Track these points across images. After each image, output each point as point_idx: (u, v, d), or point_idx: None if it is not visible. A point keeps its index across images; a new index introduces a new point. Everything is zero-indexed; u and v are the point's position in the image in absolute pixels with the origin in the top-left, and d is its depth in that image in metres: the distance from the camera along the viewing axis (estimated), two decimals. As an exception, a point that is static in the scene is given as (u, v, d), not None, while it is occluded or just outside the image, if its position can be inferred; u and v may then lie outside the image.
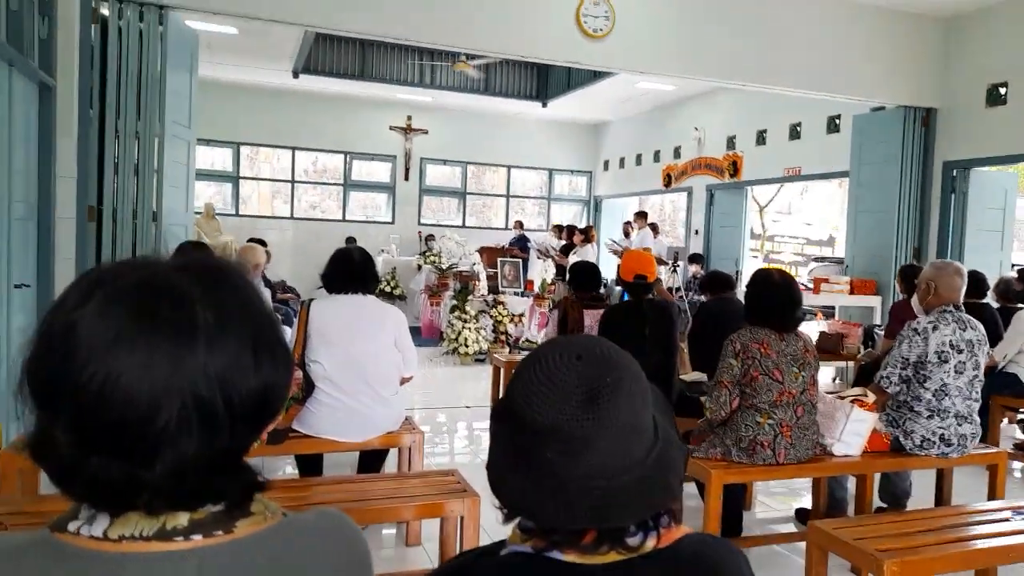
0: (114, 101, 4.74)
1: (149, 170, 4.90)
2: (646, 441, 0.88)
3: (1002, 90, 6.48)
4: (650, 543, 0.86)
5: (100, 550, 0.68)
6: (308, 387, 2.97)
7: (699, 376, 3.97)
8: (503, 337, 8.04)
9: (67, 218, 4.52)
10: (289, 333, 3.17)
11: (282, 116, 12.08)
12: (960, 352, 3.09)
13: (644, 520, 0.86)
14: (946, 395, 3.07)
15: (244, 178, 12.61)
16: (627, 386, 0.87)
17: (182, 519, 0.70)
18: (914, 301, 3.56)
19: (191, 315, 0.69)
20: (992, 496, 3.19)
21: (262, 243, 6.32)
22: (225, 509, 0.72)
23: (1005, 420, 5.25)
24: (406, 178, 13.03)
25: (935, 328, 3.10)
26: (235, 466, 0.73)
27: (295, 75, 10.53)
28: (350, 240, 10.44)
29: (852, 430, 2.98)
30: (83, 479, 0.67)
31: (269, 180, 13.25)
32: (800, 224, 23.43)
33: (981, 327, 3.22)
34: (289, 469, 3.98)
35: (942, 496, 3.47)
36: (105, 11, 4.72)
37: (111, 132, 4.75)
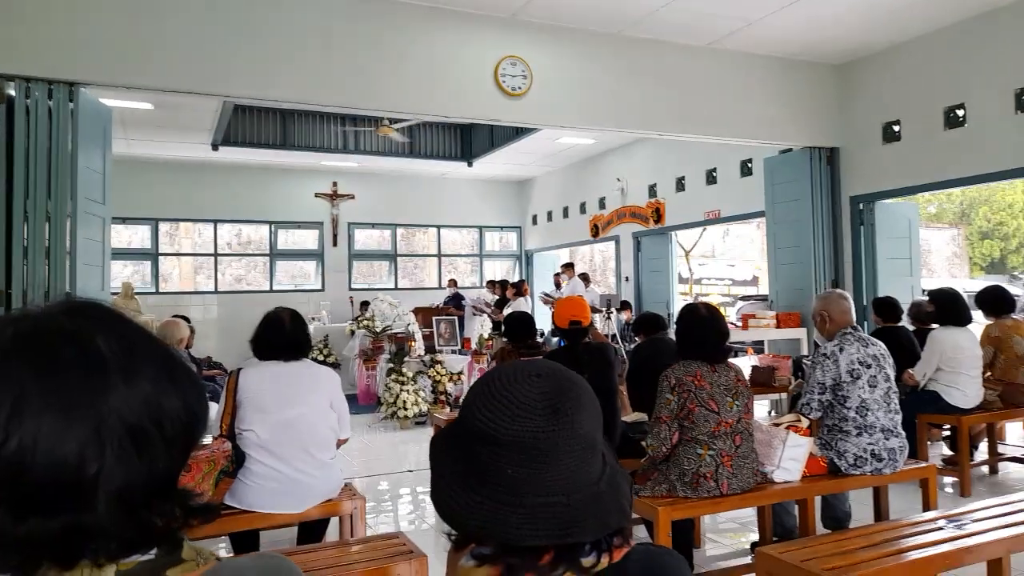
0: (22, 181, 4.57)
1: (61, 251, 4.71)
2: (599, 462, 0.90)
3: (895, 127, 6.96)
4: (603, 561, 0.86)
5: None
6: (239, 459, 2.84)
7: (640, 416, 3.99)
8: (443, 397, 7.94)
9: (-27, 304, 4.29)
10: (216, 408, 3.05)
11: (202, 189, 11.89)
12: (869, 367, 3.26)
13: (597, 540, 0.87)
14: (868, 410, 3.21)
15: (164, 254, 12.28)
16: (586, 402, 0.89)
17: (109, 572, 0.65)
18: (816, 335, 3.75)
19: (96, 351, 0.65)
20: (926, 508, 3.28)
21: (186, 319, 6.11)
22: (155, 557, 0.68)
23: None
24: (334, 244, 12.94)
25: (841, 349, 3.28)
26: (175, 491, 0.70)
27: (215, 147, 10.42)
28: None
29: (790, 455, 3.04)
30: (17, 546, 0.61)
31: (191, 255, 12.94)
32: (724, 266, 24.26)
33: (881, 343, 3.42)
34: (223, 552, 3.77)
35: (880, 513, 3.56)
36: (11, 91, 4.59)
37: (19, 213, 4.56)
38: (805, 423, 3.20)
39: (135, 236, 11.99)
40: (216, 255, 12.48)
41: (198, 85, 5.11)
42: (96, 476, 0.62)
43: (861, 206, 7.29)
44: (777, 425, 3.14)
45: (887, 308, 5.51)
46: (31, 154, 4.59)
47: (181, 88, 5.10)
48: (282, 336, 2.98)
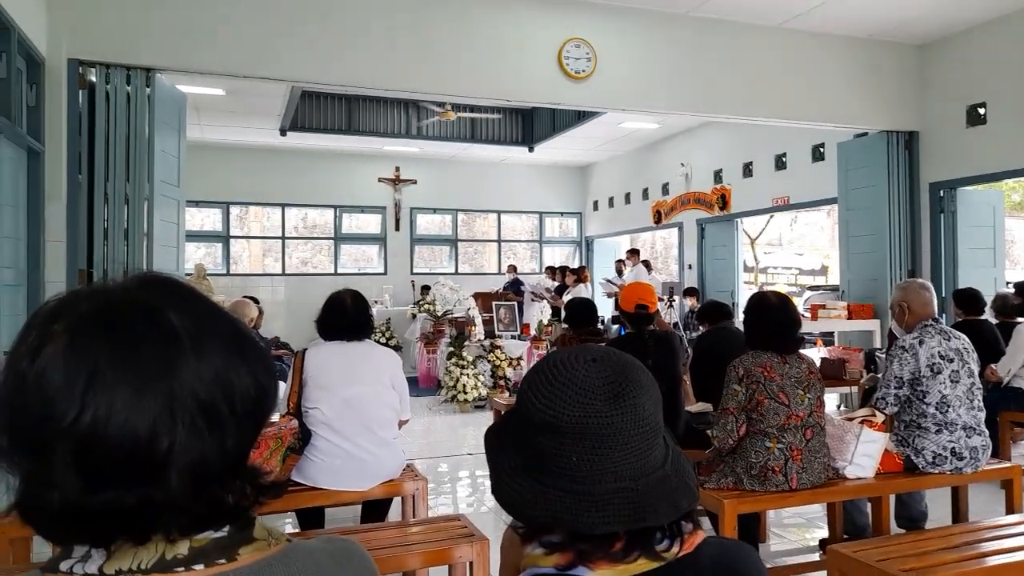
0: (103, 165, 4.75)
1: (139, 233, 4.89)
2: (662, 444, 0.88)
3: (981, 110, 6.59)
4: (675, 549, 0.84)
5: None
6: (305, 436, 2.90)
7: (704, 407, 3.91)
8: (502, 382, 7.96)
9: (57, 282, 4.48)
10: (283, 387, 3.11)
11: (271, 174, 12.18)
12: (951, 361, 3.09)
13: (670, 525, 0.85)
14: (949, 407, 3.05)
15: (234, 237, 12.65)
16: (646, 383, 0.87)
17: (182, 548, 0.65)
18: (892, 324, 3.58)
19: (169, 325, 0.65)
20: (1010, 511, 3.12)
21: (255, 300, 6.28)
22: (227, 535, 0.68)
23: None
24: (396, 228, 13.09)
25: (921, 342, 3.12)
26: (245, 468, 0.70)
27: (283, 133, 10.65)
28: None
29: (863, 451, 2.92)
30: (93, 518, 0.62)
31: (259, 238, 13.29)
32: (791, 255, 23.56)
33: (965, 336, 3.24)
34: (288, 527, 3.87)
35: (959, 514, 3.39)
36: (92, 76, 4.76)
37: (100, 196, 4.74)
38: (880, 418, 3.06)
39: (207, 219, 12.39)
40: (283, 238, 12.80)
41: (267, 70, 5.21)
42: (168, 451, 0.62)
43: (941, 193, 6.94)
44: (850, 420, 3.02)
45: (969, 300, 5.25)
46: (111, 138, 4.76)
47: (251, 73, 5.21)
48: (345, 317, 3.03)
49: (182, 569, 0.65)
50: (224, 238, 12.39)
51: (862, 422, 2.99)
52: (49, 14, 4.54)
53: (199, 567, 0.65)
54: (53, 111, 4.53)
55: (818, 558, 3.42)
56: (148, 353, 0.63)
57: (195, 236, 11.71)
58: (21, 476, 0.64)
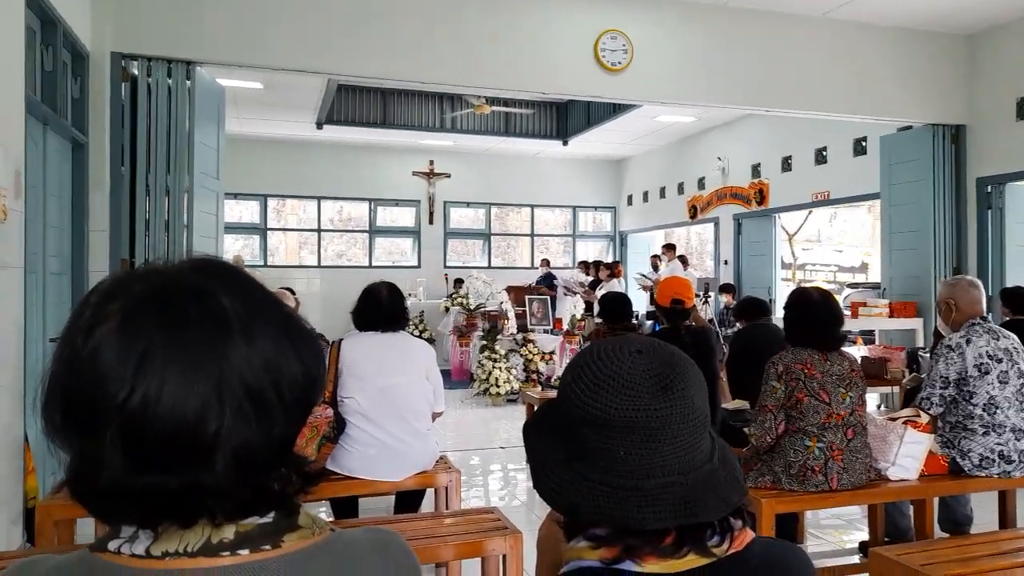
0: (144, 156, 4.83)
1: (179, 224, 4.97)
2: (708, 438, 0.85)
3: (1032, 102, 6.37)
4: (725, 546, 0.82)
5: (144, 567, 0.63)
6: (340, 425, 2.92)
7: (741, 404, 3.85)
8: (535, 376, 7.95)
9: (100, 271, 4.58)
10: (320, 375, 3.13)
11: (307, 167, 12.32)
12: (1000, 362, 2.99)
13: (720, 521, 0.82)
14: (997, 408, 2.95)
15: (271, 229, 12.82)
16: (693, 375, 0.85)
17: (228, 532, 0.65)
18: (938, 323, 3.47)
19: (221, 309, 0.65)
20: (1062, 518, 3.01)
21: (291, 292, 6.35)
22: (272, 521, 0.68)
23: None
24: (430, 222, 13.14)
25: (968, 341, 3.02)
26: (290, 455, 0.70)
27: (319, 126, 10.75)
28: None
29: (907, 452, 2.84)
30: (139, 499, 0.62)
31: (296, 230, 13.45)
32: (831, 251, 23.12)
33: (1014, 336, 3.12)
34: (323, 516, 3.91)
35: (1006, 519, 3.29)
36: (135, 70, 4.85)
37: (142, 187, 4.83)
38: (925, 419, 2.98)
39: (245, 211, 12.58)
40: (319, 231, 12.94)
41: (304, 64, 5.25)
42: (215, 435, 0.62)
43: (989, 188, 6.73)
44: (894, 419, 2.94)
45: (1018, 299, 5.07)
46: (152, 131, 4.84)
47: (289, 67, 5.26)
48: (380, 308, 3.05)
49: (227, 553, 0.65)
50: (261, 230, 12.56)
51: (906, 422, 2.91)
52: (93, 8, 4.62)
53: (244, 552, 0.65)
54: (97, 104, 4.62)
55: (858, 561, 3.35)
56: (199, 335, 0.63)
57: (233, 228, 11.88)
58: (72, 454, 0.64)
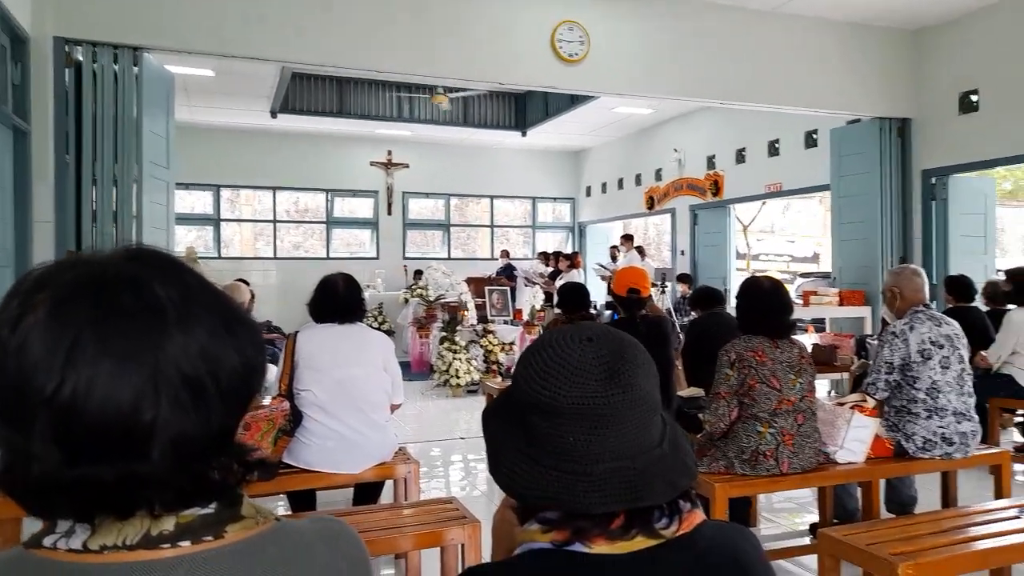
0: (90, 145, 4.69)
1: (128, 214, 4.83)
2: (659, 422, 0.87)
3: (973, 97, 6.59)
4: (673, 527, 0.83)
5: (81, 562, 0.62)
6: (296, 418, 2.89)
7: (695, 391, 3.92)
8: (495, 366, 7.96)
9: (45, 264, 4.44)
10: (275, 369, 3.10)
11: (262, 157, 12.09)
12: (941, 348, 3.10)
13: (669, 504, 0.84)
14: (939, 392, 3.06)
15: (225, 220, 12.57)
16: (642, 362, 0.86)
17: (168, 524, 0.64)
18: (883, 310, 3.59)
19: (155, 298, 0.64)
20: (999, 496, 3.14)
21: (246, 283, 6.24)
22: (214, 512, 0.67)
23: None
24: (389, 213, 13.03)
25: (912, 328, 3.12)
26: (231, 445, 0.69)
27: (273, 115, 10.55)
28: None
29: (854, 436, 2.93)
30: (73, 492, 0.61)
31: (251, 221, 13.20)
32: (784, 242, 23.61)
33: (955, 323, 3.25)
34: (281, 510, 3.87)
35: (948, 499, 3.42)
36: (79, 55, 4.69)
37: (88, 176, 4.68)
38: (871, 403, 3.07)
39: (198, 202, 12.29)
40: (275, 222, 12.72)
41: (257, 50, 5.15)
42: (151, 425, 0.61)
43: (933, 180, 6.95)
44: (841, 404, 3.03)
45: (960, 287, 5.27)
46: (98, 118, 4.70)
47: (240, 53, 5.14)
48: (337, 300, 3.02)
49: (168, 546, 0.64)
50: (215, 221, 12.30)
51: (853, 407, 3.00)
52: (34, -10, 4.46)
53: (185, 543, 0.64)
54: (39, 90, 4.46)
55: (808, 542, 3.44)
56: (132, 325, 0.62)
57: (185, 219, 11.62)
58: (3, 447, 0.63)
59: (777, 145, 9.32)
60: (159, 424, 0.61)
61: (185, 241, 11.25)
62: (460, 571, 2.41)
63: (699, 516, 0.86)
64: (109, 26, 4.70)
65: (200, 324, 0.65)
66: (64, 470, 0.60)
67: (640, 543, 0.81)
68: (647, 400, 0.84)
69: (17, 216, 4.26)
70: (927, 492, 3.67)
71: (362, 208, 13.16)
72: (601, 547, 0.81)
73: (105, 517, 0.63)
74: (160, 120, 5.26)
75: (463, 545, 2.38)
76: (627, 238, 11.54)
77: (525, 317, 8.89)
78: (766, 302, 2.87)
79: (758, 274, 3.53)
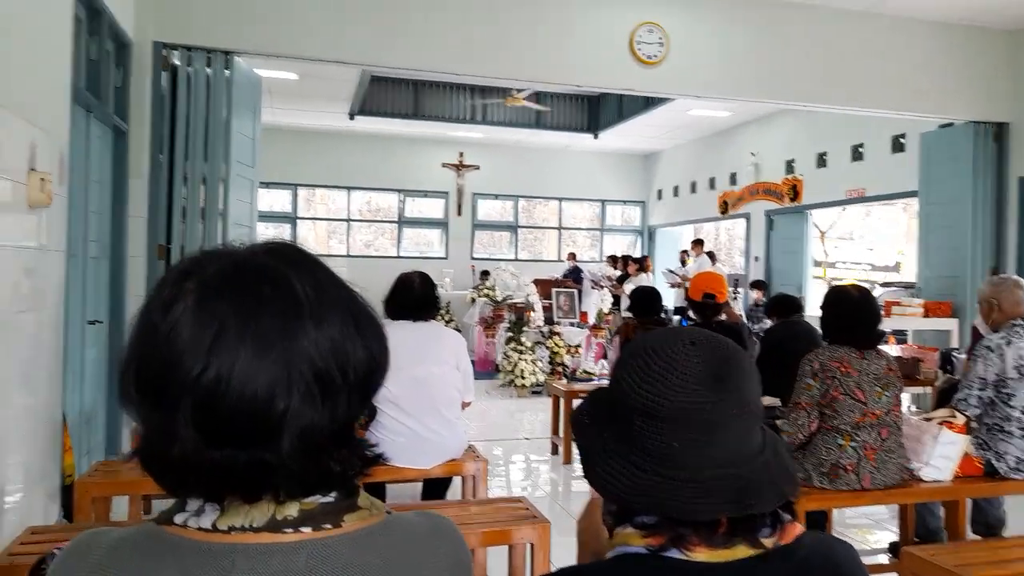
0: (183, 145, 4.91)
1: (215, 211, 5.04)
2: (760, 430, 0.85)
3: (1078, 100, 6.20)
4: (775, 538, 0.82)
5: (209, 541, 0.65)
6: (371, 413, 2.95)
7: (772, 401, 3.82)
8: (560, 368, 7.95)
9: (137, 257, 4.67)
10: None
11: (338, 157, 12.42)
12: None
13: (771, 514, 0.82)
14: (1036, 412, 2.89)
15: (302, 218, 12.97)
16: (747, 368, 0.85)
17: (292, 510, 0.67)
18: (977, 321, 3.41)
19: (293, 292, 0.67)
20: (1101, 524, 2.95)
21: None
22: (334, 501, 0.69)
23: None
24: (459, 213, 13.19)
25: (1008, 343, 2.97)
26: (352, 438, 0.72)
27: (351, 117, 10.82)
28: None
29: (942, 453, 2.80)
30: (207, 473, 0.65)
31: (325, 220, 13.58)
32: (863, 249, 22.74)
33: None
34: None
35: (1043, 525, 3.23)
36: (175, 59, 4.92)
37: (179, 175, 4.91)
38: (961, 420, 2.93)
39: (276, 200, 12.73)
40: (348, 220, 13.06)
41: (340, 54, 5.29)
42: (283, 414, 0.64)
43: (1032, 188, 6.57)
44: (929, 420, 2.90)
45: (1059, 301, 4.96)
46: (191, 119, 4.92)
47: (325, 57, 5.30)
48: (412, 297, 3.07)
49: (291, 530, 0.66)
50: (292, 219, 12.71)
51: (941, 423, 2.87)
52: (137, -2, 4.70)
53: (307, 530, 0.67)
54: (137, 92, 4.69)
55: (886, 561, 3.31)
56: (271, 317, 0.65)
57: (265, 216, 12.00)
58: (146, 426, 0.66)
59: (861, 149, 8.99)
60: (290, 414, 0.64)
61: (265, 237, 11.62)
62: (529, 571, 2.42)
63: (798, 528, 0.84)
64: (204, 31, 4.92)
65: (332, 319, 0.68)
66: (202, 452, 0.63)
67: (741, 552, 0.80)
68: (752, 406, 0.83)
69: (114, 211, 4.49)
70: (1017, 515, 3.47)
71: (433, 208, 13.36)
72: (701, 554, 0.79)
73: (234, 499, 0.66)
74: (248, 121, 5.46)
75: (532, 545, 2.39)
76: (698, 243, 11.33)
77: (591, 320, 8.84)
78: (855, 312, 2.77)
79: (837, 283, 3.43)
